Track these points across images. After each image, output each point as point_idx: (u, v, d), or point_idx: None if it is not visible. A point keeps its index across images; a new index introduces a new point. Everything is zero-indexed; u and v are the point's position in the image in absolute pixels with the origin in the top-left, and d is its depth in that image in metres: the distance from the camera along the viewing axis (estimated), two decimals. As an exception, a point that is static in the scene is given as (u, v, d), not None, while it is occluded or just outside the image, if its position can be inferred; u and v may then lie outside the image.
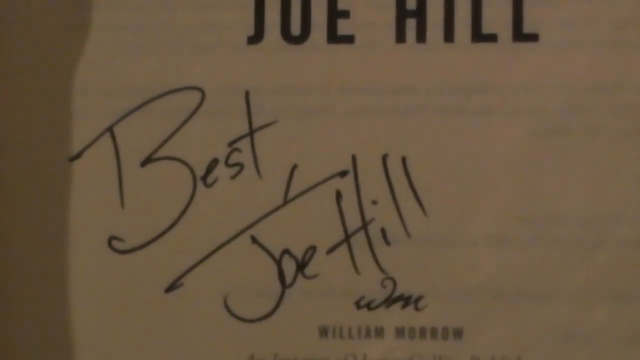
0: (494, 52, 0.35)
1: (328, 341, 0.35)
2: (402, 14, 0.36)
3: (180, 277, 0.36)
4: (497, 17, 0.35)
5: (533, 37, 0.35)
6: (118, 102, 0.36)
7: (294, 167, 0.36)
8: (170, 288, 0.36)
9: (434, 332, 0.35)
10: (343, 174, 0.35)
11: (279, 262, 0.36)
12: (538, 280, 0.35)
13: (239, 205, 0.36)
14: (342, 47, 0.36)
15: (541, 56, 0.35)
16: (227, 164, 0.36)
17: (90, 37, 0.37)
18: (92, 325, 0.36)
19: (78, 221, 0.36)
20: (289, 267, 0.36)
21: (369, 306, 0.35)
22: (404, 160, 0.35)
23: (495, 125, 0.35)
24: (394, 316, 0.35)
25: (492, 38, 0.35)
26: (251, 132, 0.36)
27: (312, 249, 0.35)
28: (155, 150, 0.36)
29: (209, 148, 0.36)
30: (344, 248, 0.35)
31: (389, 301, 0.35)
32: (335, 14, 0.36)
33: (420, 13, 0.36)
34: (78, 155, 0.36)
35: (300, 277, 0.36)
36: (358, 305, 0.35)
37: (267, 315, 0.36)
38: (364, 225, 0.35)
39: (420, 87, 0.36)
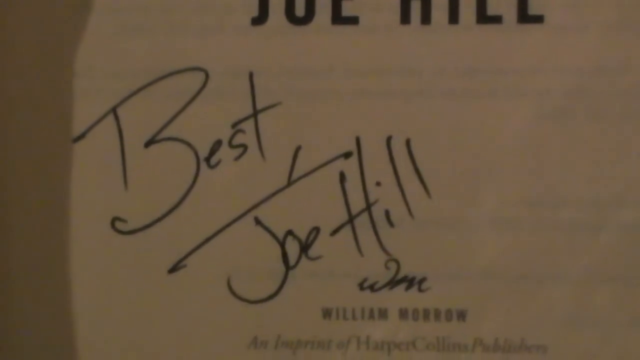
0: (499, 33, 0.35)
1: (331, 323, 0.35)
2: None
3: (183, 258, 0.36)
4: None
5: (538, 19, 0.35)
6: (122, 83, 0.36)
7: (298, 148, 0.36)
8: (174, 269, 0.36)
9: (437, 313, 0.35)
10: (347, 155, 0.35)
11: (282, 244, 0.36)
12: (542, 263, 0.35)
13: (242, 187, 0.36)
14: (347, 29, 0.36)
15: (546, 38, 0.35)
16: (230, 146, 0.36)
17: (93, 19, 0.37)
18: (95, 306, 0.36)
19: (81, 202, 0.36)
20: (293, 248, 0.36)
21: (372, 288, 0.35)
22: (408, 142, 0.35)
23: (500, 108, 0.35)
24: (398, 298, 0.35)
25: (496, 20, 0.35)
26: (255, 114, 0.36)
27: (316, 230, 0.35)
28: (159, 132, 0.36)
29: (212, 129, 0.36)
30: (347, 229, 0.35)
31: (393, 283, 0.35)
32: None
33: None
34: (81, 136, 0.36)
35: (303, 258, 0.36)
36: (361, 286, 0.35)
37: (271, 297, 0.36)
38: (368, 207, 0.35)
39: (425, 69, 0.35)
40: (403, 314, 0.35)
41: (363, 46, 0.36)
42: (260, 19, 0.36)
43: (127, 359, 0.36)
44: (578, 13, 0.35)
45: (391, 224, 0.35)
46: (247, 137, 0.36)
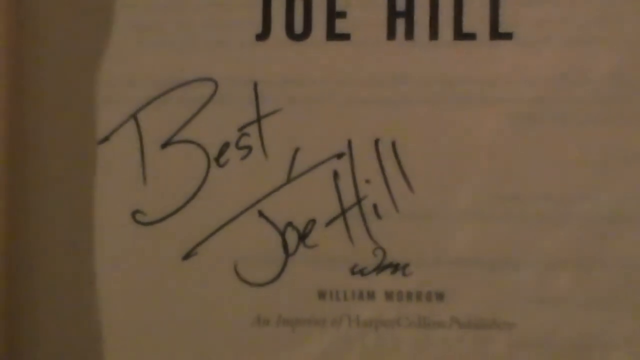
0: (474, 49, 0.36)
1: (325, 303, 0.36)
2: (392, 14, 0.36)
3: (195, 247, 0.36)
4: (476, 17, 0.36)
5: (508, 36, 0.36)
6: (141, 91, 0.37)
7: (297, 149, 0.36)
8: (187, 256, 0.36)
9: (418, 295, 0.36)
10: (340, 156, 0.36)
11: (282, 234, 0.36)
12: (511, 249, 0.35)
13: (247, 183, 0.36)
14: (340, 44, 0.36)
15: (515, 53, 0.36)
16: (237, 147, 0.36)
17: (116, 35, 0.37)
18: (117, 289, 0.37)
19: (105, 197, 0.37)
20: (292, 238, 0.36)
21: (362, 272, 0.36)
22: (393, 144, 0.36)
23: (474, 114, 0.36)
24: (384, 281, 0.36)
25: (471, 36, 0.36)
26: (259, 119, 0.36)
27: (312, 222, 0.36)
28: (174, 135, 0.36)
29: (221, 133, 0.36)
30: (340, 221, 0.36)
31: (380, 268, 0.36)
32: (333, 14, 0.36)
33: (408, 14, 0.36)
34: (106, 139, 0.37)
35: (301, 246, 0.36)
36: (352, 271, 0.36)
37: (272, 280, 0.36)
38: (358, 201, 0.36)
39: (408, 79, 0.36)
40: (389, 295, 0.36)
41: (354, 59, 0.36)
42: (263, 35, 0.36)
43: (146, 334, 0.36)
44: (543, 30, 0.35)
45: (378, 216, 0.36)
46: (252, 139, 0.36)
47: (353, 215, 0.36)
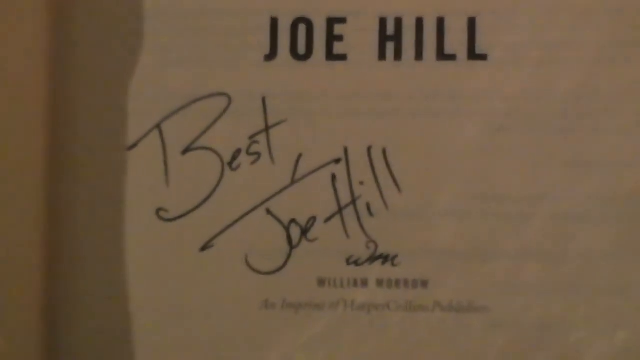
0: (454, 68, 0.36)
1: (324, 289, 0.36)
2: (383, 38, 0.37)
3: (211, 240, 0.37)
4: (455, 41, 0.36)
5: (483, 57, 0.36)
6: (165, 105, 0.37)
7: (299, 155, 0.37)
8: (204, 248, 0.37)
9: (406, 282, 0.36)
10: (337, 161, 0.36)
11: (287, 229, 0.37)
12: (485, 243, 0.36)
13: (256, 185, 0.37)
14: (337, 63, 0.37)
15: (489, 72, 0.36)
16: (248, 153, 0.37)
17: (143, 56, 0.37)
18: (143, 277, 0.37)
19: (133, 196, 0.37)
20: (295, 232, 0.37)
21: (356, 263, 0.36)
22: (384, 150, 0.36)
23: (454, 124, 0.36)
24: (376, 270, 0.36)
25: (452, 57, 0.36)
26: (267, 129, 0.37)
27: (313, 218, 0.36)
28: (193, 142, 0.37)
29: (234, 140, 0.37)
30: (337, 218, 0.36)
31: (372, 259, 0.36)
32: (332, 38, 0.37)
33: (397, 38, 0.36)
34: (134, 146, 0.37)
35: (303, 240, 0.36)
36: (348, 261, 0.36)
37: (278, 269, 0.36)
38: (353, 201, 0.36)
39: (397, 95, 0.36)
40: (380, 283, 0.36)
41: (350, 77, 0.37)
42: (271, 56, 0.37)
43: (169, 315, 0.37)
44: (513, 53, 0.36)
45: (371, 214, 0.36)
46: (261, 146, 0.37)
47: (349, 213, 0.36)
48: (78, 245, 0.37)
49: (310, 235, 0.37)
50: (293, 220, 0.37)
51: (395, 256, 0.36)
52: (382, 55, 0.37)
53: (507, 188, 0.36)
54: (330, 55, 0.37)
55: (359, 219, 0.36)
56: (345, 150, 0.37)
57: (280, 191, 0.37)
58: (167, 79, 0.37)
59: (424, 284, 0.36)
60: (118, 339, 0.37)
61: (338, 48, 0.37)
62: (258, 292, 0.37)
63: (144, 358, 0.36)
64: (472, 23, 0.36)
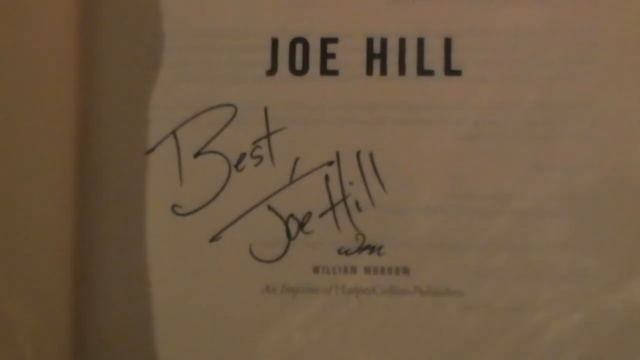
0: (432, 82, 0.38)
1: (319, 276, 0.38)
2: (370, 56, 0.38)
3: (219, 233, 0.38)
4: (434, 58, 0.38)
5: (458, 72, 0.38)
6: (179, 114, 0.39)
7: (297, 158, 0.38)
8: (213, 240, 0.38)
9: (390, 270, 0.38)
10: (330, 163, 0.38)
11: (286, 223, 0.38)
12: (460, 235, 0.38)
13: (259, 184, 0.38)
14: (330, 78, 0.39)
15: (463, 85, 0.38)
16: (251, 156, 0.38)
17: (161, 71, 0.39)
18: (159, 266, 0.39)
19: (151, 194, 0.39)
20: (293, 226, 0.38)
21: (346, 253, 0.38)
22: (371, 155, 0.38)
23: (432, 132, 0.38)
24: (363, 259, 0.38)
25: (430, 73, 0.38)
26: (268, 135, 0.38)
27: (309, 214, 0.38)
28: (204, 147, 0.39)
29: (239, 145, 0.39)
30: (330, 213, 0.38)
31: (360, 249, 0.38)
32: (325, 55, 0.39)
33: (382, 55, 0.38)
34: (151, 150, 0.39)
35: (300, 232, 0.38)
36: (339, 252, 0.38)
37: (278, 258, 0.38)
38: (344, 198, 0.38)
39: (383, 106, 0.38)
40: (367, 270, 0.38)
41: (341, 90, 0.38)
42: (272, 71, 0.39)
43: (182, 300, 0.38)
44: (485, 68, 0.38)
45: (359, 209, 0.38)
46: (263, 151, 0.38)
47: (340, 209, 0.38)
48: (103, 237, 0.39)
49: (306, 228, 0.38)
50: (291, 215, 0.38)
51: (381, 247, 0.38)
52: (369, 71, 0.39)
53: (478, 187, 0.38)
54: (324, 71, 0.39)
55: (349, 214, 0.38)
56: (337, 154, 0.38)
57: (280, 190, 0.38)
58: (181, 91, 0.39)
59: (406, 271, 0.38)
60: (139, 314, 0.38)
61: (331, 64, 0.39)
62: (260, 278, 0.38)
63: (160, 331, 0.38)
64: (448, 43, 0.38)
